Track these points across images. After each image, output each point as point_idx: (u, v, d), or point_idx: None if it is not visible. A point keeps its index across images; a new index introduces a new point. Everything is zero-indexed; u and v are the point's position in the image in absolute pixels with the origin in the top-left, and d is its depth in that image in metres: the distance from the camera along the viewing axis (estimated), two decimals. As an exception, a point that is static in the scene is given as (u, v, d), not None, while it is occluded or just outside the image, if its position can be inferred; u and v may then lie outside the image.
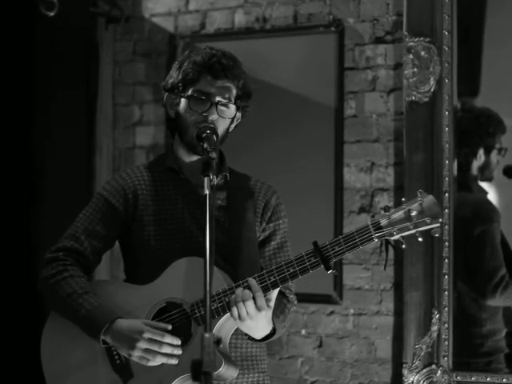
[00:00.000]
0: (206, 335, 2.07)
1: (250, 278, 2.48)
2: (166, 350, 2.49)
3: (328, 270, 2.47)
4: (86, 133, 4.42)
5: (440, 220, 2.44)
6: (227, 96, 2.64)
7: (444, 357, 3.78)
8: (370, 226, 2.44)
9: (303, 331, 4.10)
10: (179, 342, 2.50)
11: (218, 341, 2.08)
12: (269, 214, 2.74)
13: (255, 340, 2.63)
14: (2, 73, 4.23)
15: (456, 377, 3.77)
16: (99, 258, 2.73)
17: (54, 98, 4.32)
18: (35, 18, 4.17)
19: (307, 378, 4.12)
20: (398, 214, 2.43)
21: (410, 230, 2.43)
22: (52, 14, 4.08)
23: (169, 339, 2.49)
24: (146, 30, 4.48)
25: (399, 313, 3.90)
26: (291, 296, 2.72)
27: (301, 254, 2.49)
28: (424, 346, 3.79)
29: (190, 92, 2.63)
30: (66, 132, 4.34)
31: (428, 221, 2.42)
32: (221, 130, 2.64)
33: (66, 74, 4.34)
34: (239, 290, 2.47)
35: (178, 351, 2.50)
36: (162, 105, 2.75)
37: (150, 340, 2.48)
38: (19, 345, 4.12)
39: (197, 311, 2.52)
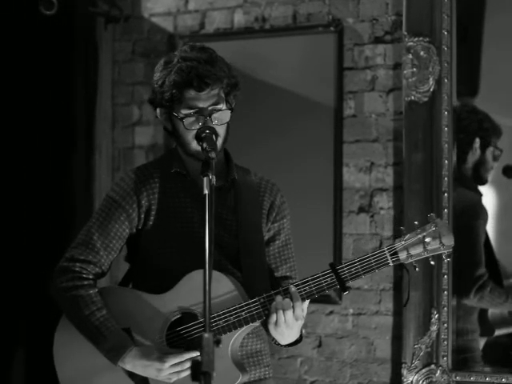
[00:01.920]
0: (206, 335, 2.07)
1: (292, 286, 2.54)
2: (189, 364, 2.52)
3: (344, 292, 2.56)
4: (85, 132, 4.42)
5: (452, 245, 2.51)
6: (217, 101, 2.61)
7: (443, 357, 3.78)
8: (386, 252, 2.53)
9: (302, 331, 4.09)
10: (198, 353, 2.51)
11: (218, 341, 2.08)
12: (274, 214, 2.76)
13: (280, 345, 2.69)
14: (1, 72, 4.23)
15: (455, 377, 3.77)
16: (111, 265, 2.74)
17: (53, 98, 4.32)
18: (34, 18, 4.16)
19: (306, 378, 4.12)
20: (413, 241, 2.51)
21: (423, 255, 2.52)
22: (51, 13, 4.08)
23: (187, 355, 2.53)
24: (145, 30, 4.48)
25: (398, 313, 3.90)
26: None
27: (317, 275, 2.56)
28: (423, 346, 3.78)
29: (179, 111, 2.61)
30: (65, 132, 4.33)
31: (442, 248, 2.51)
32: (222, 134, 2.63)
33: (65, 74, 4.34)
34: (279, 298, 2.53)
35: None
36: (155, 116, 2.73)
37: (172, 366, 2.52)
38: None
39: (214, 324, 2.54)
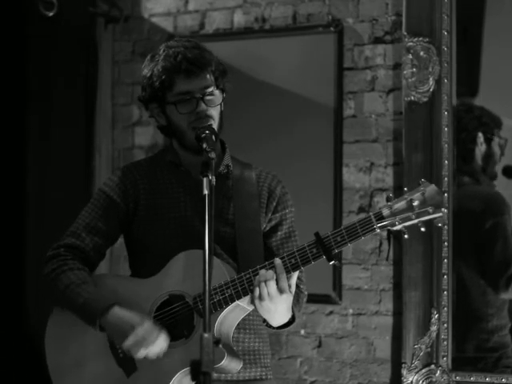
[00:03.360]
0: (205, 335, 2.07)
1: (277, 259, 2.49)
2: (156, 350, 2.50)
3: (330, 261, 2.48)
4: (85, 133, 4.42)
5: (443, 209, 2.43)
6: (207, 85, 2.62)
7: (443, 357, 3.78)
8: (372, 217, 2.44)
9: (302, 331, 4.10)
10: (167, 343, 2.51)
11: (217, 341, 2.08)
12: (274, 203, 2.73)
13: (272, 327, 2.63)
14: (1, 73, 4.23)
15: (455, 377, 3.77)
16: (102, 254, 2.74)
17: (53, 98, 4.32)
18: (34, 18, 4.16)
19: (306, 378, 4.12)
20: (400, 204, 2.43)
21: (412, 219, 2.42)
22: (51, 13, 4.08)
23: (161, 341, 2.49)
24: (145, 30, 4.48)
25: (398, 313, 3.90)
26: (302, 286, 2.72)
27: (302, 245, 2.50)
28: (423, 346, 3.79)
29: (171, 98, 2.62)
30: (65, 132, 4.34)
31: (430, 210, 2.42)
32: (216, 117, 2.64)
33: (65, 74, 4.34)
34: (263, 271, 2.48)
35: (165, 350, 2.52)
36: (148, 116, 2.74)
37: (144, 337, 2.48)
38: (22, 337, 4.14)
39: (199, 304, 2.52)
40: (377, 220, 2.43)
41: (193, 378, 2.06)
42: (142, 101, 2.71)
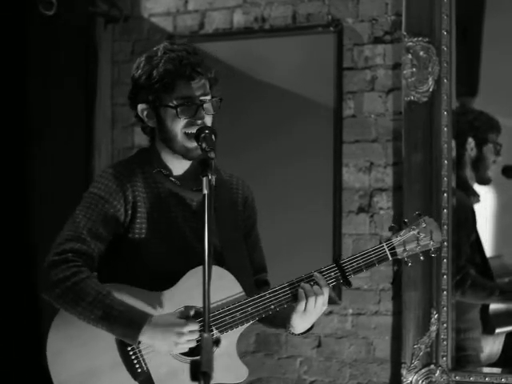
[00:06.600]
0: (205, 335, 2.07)
1: (316, 273, 2.58)
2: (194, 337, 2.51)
3: (348, 286, 2.62)
4: (84, 133, 4.42)
5: (441, 241, 2.65)
6: (207, 92, 2.62)
7: (443, 357, 3.78)
8: (385, 246, 2.61)
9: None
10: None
11: (217, 341, 2.08)
12: (249, 209, 2.79)
13: (294, 334, 2.69)
14: (0, 73, 4.23)
15: (455, 377, 3.78)
16: (101, 259, 2.70)
17: (53, 98, 4.32)
18: (34, 18, 4.16)
19: (306, 378, 4.12)
20: (409, 236, 2.62)
21: (416, 251, 2.62)
22: (50, 13, 4.08)
23: (197, 325, 2.51)
24: (144, 30, 4.48)
25: (398, 313, 3.90)
26: None
27: (320, 269, 2.60)
28: (423, 346, 3.79)
29: (170, 101, 2.59)
30: (64, 132, 4.34)
31: (431, 243, 2.63)
32: (209, 123, 2.64)
33: (65, 74, 4.34)
34: (308, 285, 2.56)
35: None
36: (134, 115, 2.69)
37: (191, 332, 2.49)
38: (21, 350, 4.14)
39: (216, 320, 2.53)
40: (389, 249, 2.62)
41: (192, 378, 2.06)
42: (132, 99, 2.67)
